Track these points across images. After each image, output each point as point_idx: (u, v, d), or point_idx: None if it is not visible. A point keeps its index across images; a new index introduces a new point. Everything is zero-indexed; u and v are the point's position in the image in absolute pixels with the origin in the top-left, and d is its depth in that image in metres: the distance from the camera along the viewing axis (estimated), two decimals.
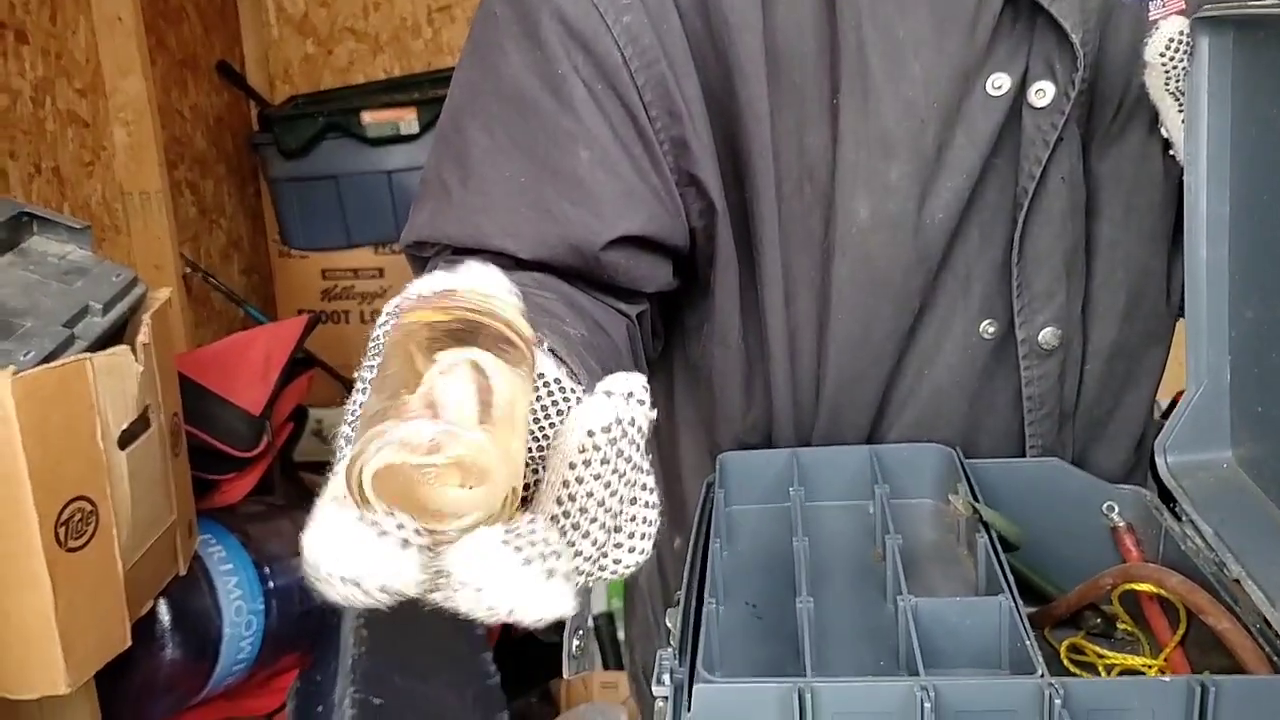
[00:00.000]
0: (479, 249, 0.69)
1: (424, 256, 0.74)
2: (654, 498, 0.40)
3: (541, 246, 0.68)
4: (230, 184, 2.53)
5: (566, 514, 0.37)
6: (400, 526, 0.34)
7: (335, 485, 0.36)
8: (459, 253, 0.70)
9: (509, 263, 0.68)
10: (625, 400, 0.37)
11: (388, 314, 0.43)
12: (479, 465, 0.34)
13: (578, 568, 0.38)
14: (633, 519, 0.39)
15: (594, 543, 0.38)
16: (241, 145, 2.58)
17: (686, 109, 0.68)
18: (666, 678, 0.53)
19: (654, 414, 0.39)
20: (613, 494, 0.37)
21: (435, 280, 0.39)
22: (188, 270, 2.19)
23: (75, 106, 1.88)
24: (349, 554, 0.34)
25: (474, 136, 0.70)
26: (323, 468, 0.40)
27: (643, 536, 0.40)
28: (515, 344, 0.37)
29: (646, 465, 0.39)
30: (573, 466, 0.37)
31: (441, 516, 0.35)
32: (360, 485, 0.34)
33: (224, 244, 2.48)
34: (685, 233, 0.72)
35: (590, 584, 0.40)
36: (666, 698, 0.52)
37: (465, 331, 0.36)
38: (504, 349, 0.36)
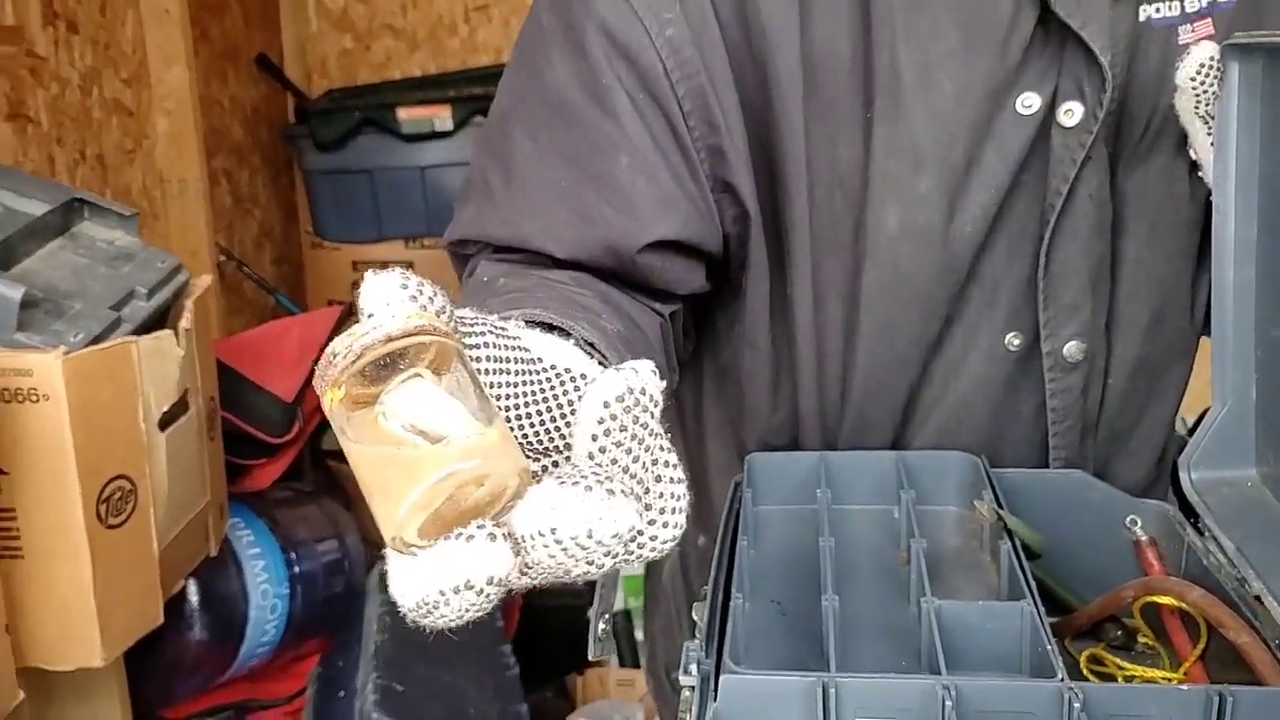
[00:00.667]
0: (520, 248, 0.71)
1: (466, 254, 0.76)
2: (679, 473, 0.41)
3: (580, 248, 0.69)
4: (265, 174, 2.56)
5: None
6: (480, 526, 0.37)
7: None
8: (500, 251, 0.72)
9: (548, 262, 0.70)
10: (635, 372, 0.39)
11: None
12: (475, 471, 0.37)
13: None
14: (661, 495, 0.41)
15: None
16: (277, 137, 2.61)
17: (724, 119, 0.70)
18: (693, 668, 0.54)
19: (664, 384, 0.40)
20: (635, 460, 0.39)
21: (328, 352, 0.38)
22: (221, 258, 2.22)
23: (120, 95, 1.92)
24: (449, 568, 0.36)
25: (518, 141, 0.72)
26: None
27: (674, 511, 0.41)
28: (411, 348, 0.38)
29: (665, 438, 0.41)
30: (594, 438, 0.39)
31: (491, 508, 0.38)
32: (412, 545, 0.37)
33: (257, 233, 2.51)
34: (719, 238, 0.74)
35: (627, 563, 0.41)
36: (693, 687, 0.53)
37: (372, 379, 0.38)
38: (401, 364, 0.38)
